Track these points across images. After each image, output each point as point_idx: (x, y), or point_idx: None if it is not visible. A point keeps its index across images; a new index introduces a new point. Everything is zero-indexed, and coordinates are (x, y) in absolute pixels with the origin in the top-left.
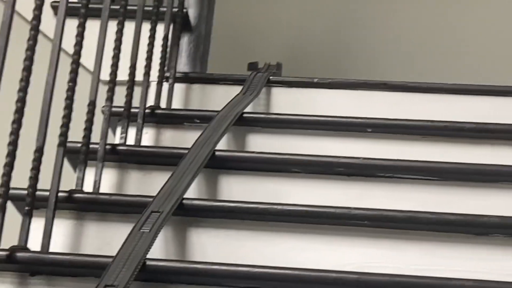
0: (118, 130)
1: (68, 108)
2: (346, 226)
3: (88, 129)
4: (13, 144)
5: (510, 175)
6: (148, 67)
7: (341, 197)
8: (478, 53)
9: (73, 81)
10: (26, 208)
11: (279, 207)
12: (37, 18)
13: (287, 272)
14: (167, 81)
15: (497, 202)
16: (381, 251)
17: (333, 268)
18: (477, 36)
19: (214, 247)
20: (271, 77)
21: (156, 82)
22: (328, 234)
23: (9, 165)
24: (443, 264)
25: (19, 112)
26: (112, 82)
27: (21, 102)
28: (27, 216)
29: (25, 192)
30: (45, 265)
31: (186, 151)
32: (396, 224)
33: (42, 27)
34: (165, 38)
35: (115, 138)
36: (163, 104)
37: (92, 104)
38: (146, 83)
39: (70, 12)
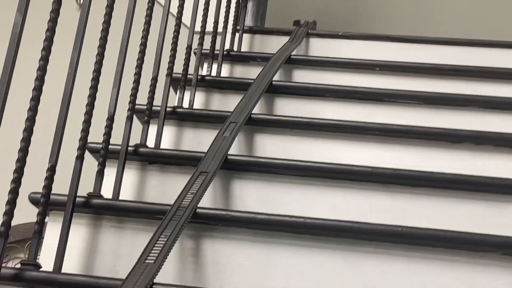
0: (205, 65)
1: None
2: (362, 135)
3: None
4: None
5: (475, 101)
6: (226, 22)
7: (358, 115)
8: (452, 17)
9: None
10: (100, 159)
11: (317, 120)
12: None
13: (323, 165)
14: (238, 32)
15: (467, 120)
16: (388, 153)
17: (354, 163)
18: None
19: (272, 145)
20: (309, 31)
21: (230, 33)
22: (349, 140)
23: (87, 122)
24: (431, 163)
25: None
26: (203, 32)
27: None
28: (102, 167)
29: (100, 145)
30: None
31: (252, 81)
32: (398, 134)
33: None
34: (237, 2)
35: (202, 71)
36: (235, 48)
37: (189, 47)
38: (224, 34)
39: None
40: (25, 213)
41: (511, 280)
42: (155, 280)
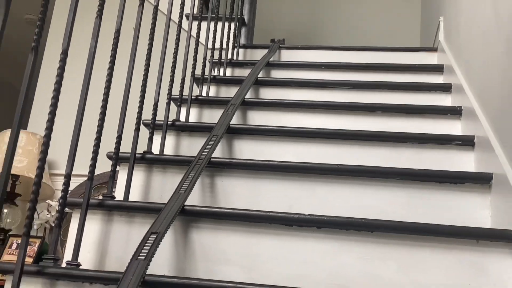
0: (215, 71)
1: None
2: (314, 109)
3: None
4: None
5: (384, 85)
6: (228, 42)
7: (311, 97)
8: (370, 32)
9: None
10: (150, 129)
11: (287, 101)
12: None
13: (291, 129)
14: (236, 48)
15: (379, 98)
16: (330, 120)
17: (310, 127)
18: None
19: (259, 117)
20: (280, 45)
21: (231, 48)
22: (307, 113)
23: (140, 107)
24: (356, 125)
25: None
26: (213, 48)
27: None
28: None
29: (150, 121)
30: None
31: (244, 78)
32: (336, 108)
33: None
34: (235, 29)
35: (214, 73)
36: (234, 58)
37: (204, 58)
38: (227, 49)
39: None
40: (106, 165)
41: (407, 195)
42: (186, 203)
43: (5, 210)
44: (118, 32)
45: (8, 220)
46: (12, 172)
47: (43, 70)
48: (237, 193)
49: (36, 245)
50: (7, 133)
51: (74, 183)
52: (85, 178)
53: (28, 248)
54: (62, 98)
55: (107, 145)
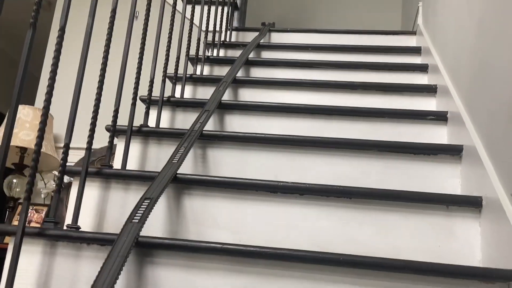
0: (209, 52)
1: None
2: (301, 87)
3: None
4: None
5: (364, 66)
6: (221, 25)
7: (298, 76)
8: (355, 16)
9: None
10: (146, 104)
11: (275, 79)
12: None
13: (278, 105)
14: (229, 30)
15: (360, 77)
16: (315, 97)
17: (297, 103)
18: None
19: (248, 94)
20: (270, 28)
21: (224, 31)
22: (294, 91)
23: (137, 83)
24: (339, 101)
25: None
26: (206, 30)
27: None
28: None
29: (146, 97)
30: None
31: (236, 58)
32: (321, 86)
33: None
34: (227, 13)
35: (208, 53)
36: (227, 39)
37: (199, 39)
38: (220, 31)
39: None
40: (107, 140)
41: (383, 165)
42: (179, 171)
43: (15, 180)
44: (114, 11)
45: (17, 189)
46: (20, 145)
47: (49, 48)
48: (227, 163)
49: (43, 213)
50: (20, 109)
51: (77, 155)
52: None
53: (36, 215)
54: (66, 77)
55: (107, 120)
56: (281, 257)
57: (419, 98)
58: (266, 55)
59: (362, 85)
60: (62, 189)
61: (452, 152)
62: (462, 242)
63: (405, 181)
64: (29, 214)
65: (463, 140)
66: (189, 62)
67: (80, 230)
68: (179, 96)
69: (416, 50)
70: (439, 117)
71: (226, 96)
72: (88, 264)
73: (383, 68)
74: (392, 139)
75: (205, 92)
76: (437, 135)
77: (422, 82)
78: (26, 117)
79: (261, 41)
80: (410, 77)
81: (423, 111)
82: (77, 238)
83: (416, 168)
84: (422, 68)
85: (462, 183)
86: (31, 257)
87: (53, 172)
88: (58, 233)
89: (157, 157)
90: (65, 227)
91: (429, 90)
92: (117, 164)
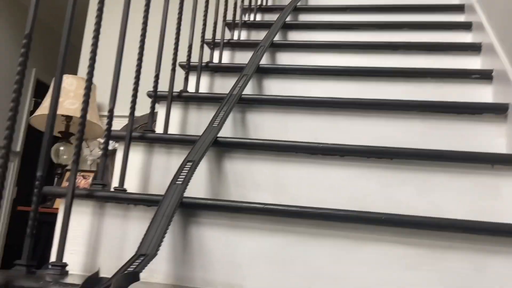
0: (246, 17)
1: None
2: (341, 49)
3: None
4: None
5: (406, 25)
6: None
7: (337, 38)
8: None
9: None
10: (186, 70)
11: (313, 42)
12: None
13: (317, 67)
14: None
15: (402, 37)
16: (355, 58)
17: (337, 65)
18: None
19: (286, 58)
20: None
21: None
22: (334, 53)
23: (176, 49)
24: (379, 63)
25: None
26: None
27: None
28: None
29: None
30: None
31: (273, 22)
32: (362, 47)
33: None
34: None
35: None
36: (264, 3)
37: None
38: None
39: None
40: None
41: (426, 126)
42: (219, 135)
43: (61, 148)
44: None
45: (64, 156)
46: (66, 113)
47: (89, 20)
48: (267, 126)
49: (90, 178)
50: (64, 78)
51: (120, 123)
52: None
53: (84, 181)
54: (107, 46)
55: (146, 87)
56: (323, 217)
57: (463, 57)
58: (304, 18)
59: (403, 45)
60: (107, 156)
61: (497, 111)
62: (507, 202)
63: (448, 141)
64: (76, 180)
65: (509, 98)
66: (226, 28)
67: (127, 192)
68: (217, 62)
69: (459, 8)
70: (484, 76)
71: (264, 61)
72: (135, 224)
73: (425, 27)
74: (436, 100)
75: (243, 57)
76: (482, 94)
77: (466, 40)
78: (70, 86)
79: (298, 3)
80: (453, 35)
81: (467, 69)
82: (125, 199)
83: (460, 128)
84: (466, 26)
85: (508, 142)
86: (81, 219)
87: (98, 139)
88: (106, 195)
89: (197, 121)
90: (112, 189)
91: (474, 48)
92: (159, 129)
